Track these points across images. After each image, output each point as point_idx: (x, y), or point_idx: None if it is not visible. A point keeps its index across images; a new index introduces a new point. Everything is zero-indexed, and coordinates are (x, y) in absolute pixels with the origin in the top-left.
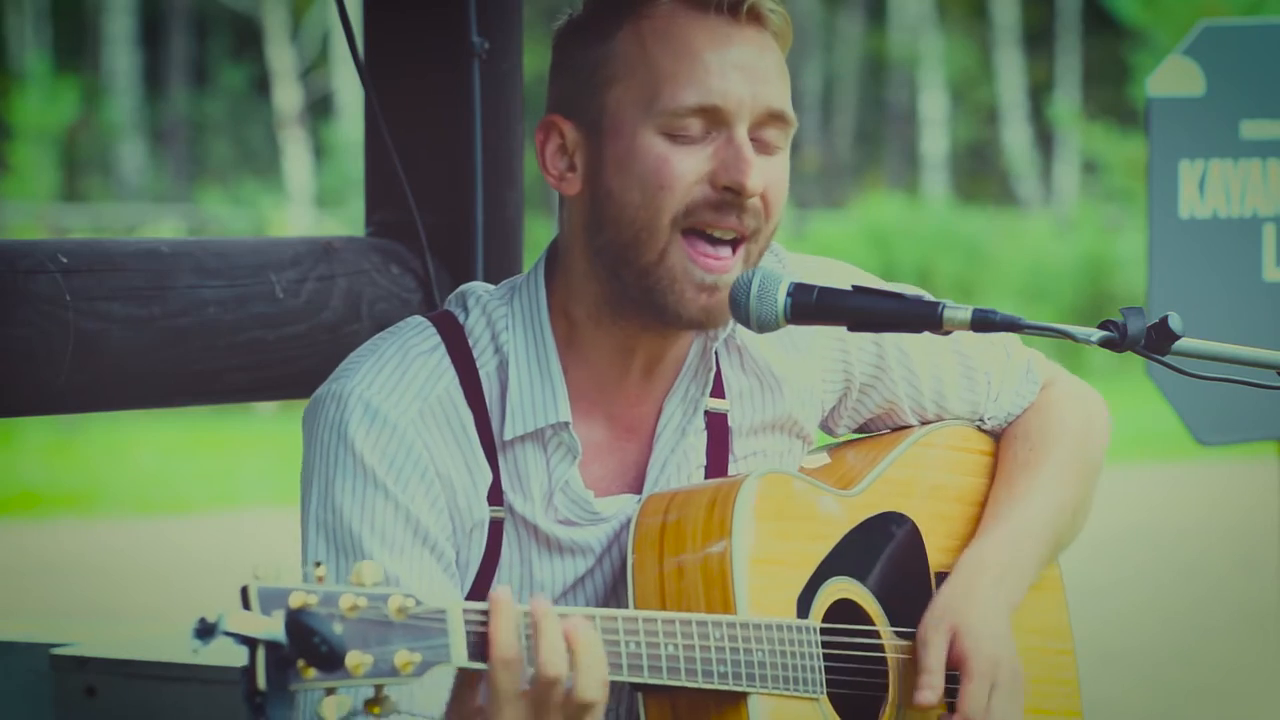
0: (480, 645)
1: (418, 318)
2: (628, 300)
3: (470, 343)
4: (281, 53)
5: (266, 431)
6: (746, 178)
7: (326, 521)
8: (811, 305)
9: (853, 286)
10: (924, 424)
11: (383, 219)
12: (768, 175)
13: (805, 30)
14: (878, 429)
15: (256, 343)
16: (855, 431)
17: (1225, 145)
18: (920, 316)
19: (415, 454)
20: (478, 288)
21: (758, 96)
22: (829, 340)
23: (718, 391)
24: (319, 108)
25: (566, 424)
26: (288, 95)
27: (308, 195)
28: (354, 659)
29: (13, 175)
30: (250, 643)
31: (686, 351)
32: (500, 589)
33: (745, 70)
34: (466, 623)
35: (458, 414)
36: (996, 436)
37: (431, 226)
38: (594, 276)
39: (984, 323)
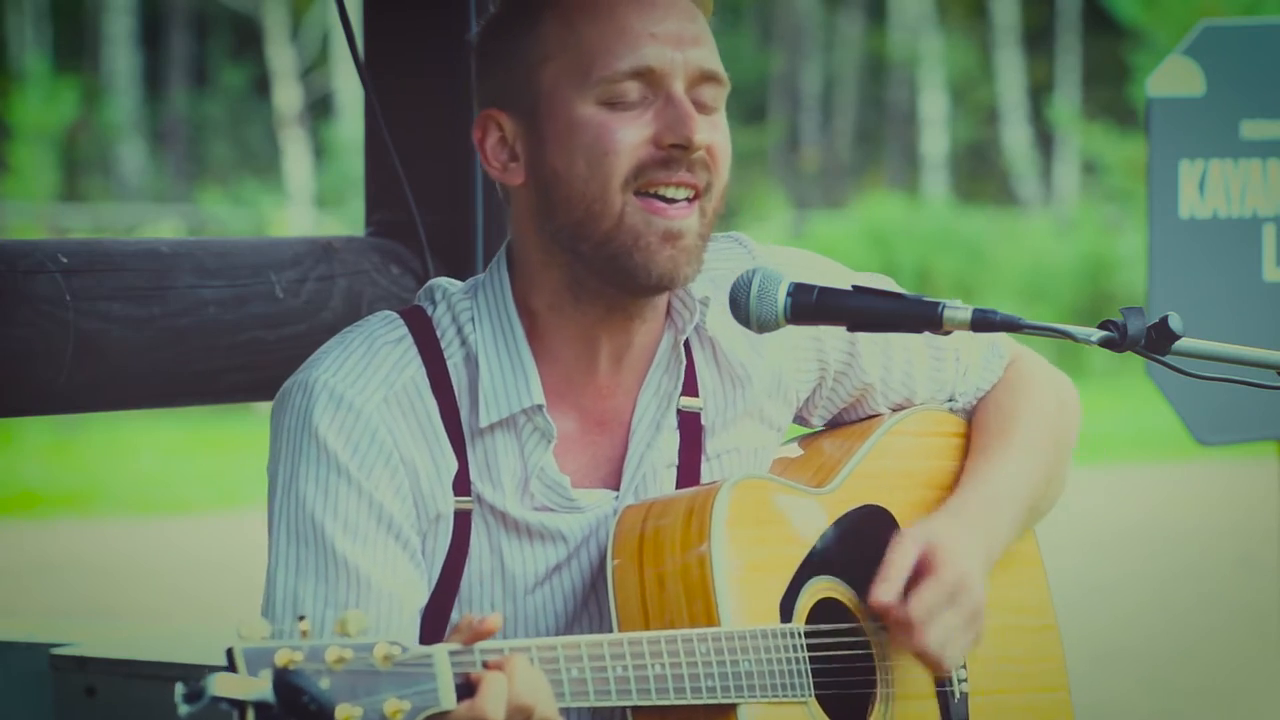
0: (469, 687)
1: (386, 311)
2: (592, 277)
3: (438, 334)
4: (281, 53)
5: (266, 432)
6: (692, 131)
7: (289, 511)
8: (811, 305)
9: (853, 286)
10: (894, 410)
11: (383, 219)
12: (710, 132)
13: (805, 30)
14: (849, 419)
15: (256, 343)
16: (828, 424)
17: (1225, 145)
18: (920, 316)
19: (380, 439)
20: (444, 282)
21: (690, 59)
22: (803, 328)
23: (691, 388)
24: (319, 108)
25: (540, 406)
26: (288, 95)
27: (308, 195)
28: (343, 712)
29: (13, 175)
30: (239, 705)
31: (656, 342)
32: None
33: (673, 34)
34: (454, 664)
35: (422, 403)
36: (966, 415)
37: (431, 226)
38: (551, 264)
39: (984, 323)
